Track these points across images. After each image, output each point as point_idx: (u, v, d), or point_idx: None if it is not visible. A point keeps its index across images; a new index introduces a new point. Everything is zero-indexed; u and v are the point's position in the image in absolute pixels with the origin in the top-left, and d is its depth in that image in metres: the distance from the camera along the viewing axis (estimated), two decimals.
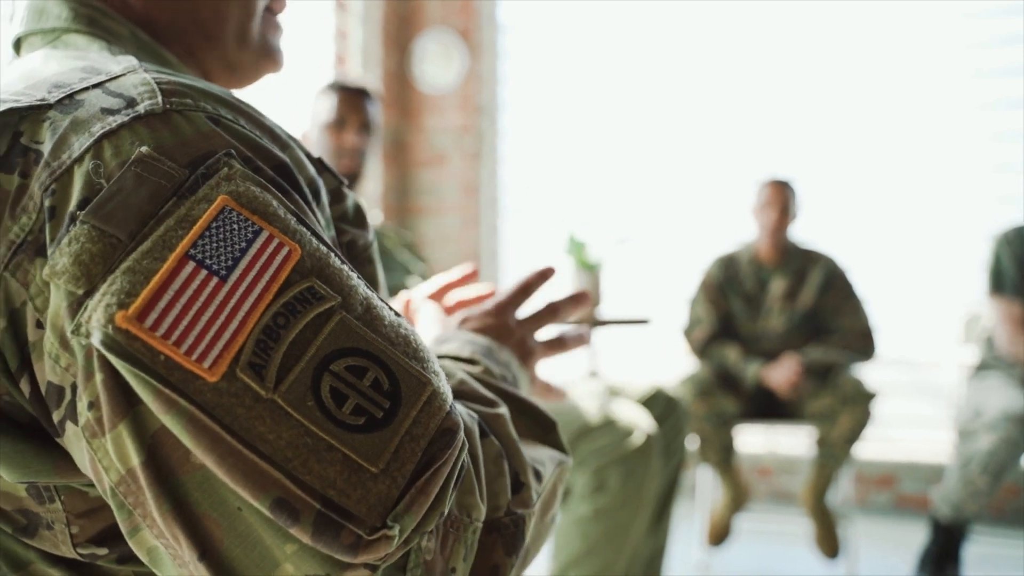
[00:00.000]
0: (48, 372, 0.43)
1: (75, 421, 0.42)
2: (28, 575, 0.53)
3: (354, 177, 2.01)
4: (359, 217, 0.59)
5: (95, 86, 0.48)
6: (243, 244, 0.43)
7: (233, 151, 0.46)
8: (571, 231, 2.75)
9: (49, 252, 0.42)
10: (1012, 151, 3.32)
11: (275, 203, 0.46)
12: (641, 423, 1.51)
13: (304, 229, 0.46)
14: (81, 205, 0.42)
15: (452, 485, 0.45)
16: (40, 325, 0.43)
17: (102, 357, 0.40)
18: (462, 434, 0.47)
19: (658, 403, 1.81)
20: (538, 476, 0.58)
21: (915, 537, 2.94)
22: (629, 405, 1.59)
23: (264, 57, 0.71)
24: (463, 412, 0.53)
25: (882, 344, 2.84)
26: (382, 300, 0.48)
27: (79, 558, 0.51)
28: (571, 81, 4.08)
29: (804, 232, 3.05)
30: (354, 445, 0.41)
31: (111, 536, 0.51)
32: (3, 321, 0.44)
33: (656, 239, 3.85)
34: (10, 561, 0.53)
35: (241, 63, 0.69)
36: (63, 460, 0.47)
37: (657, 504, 1.78)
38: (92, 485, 0.49)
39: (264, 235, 0.44)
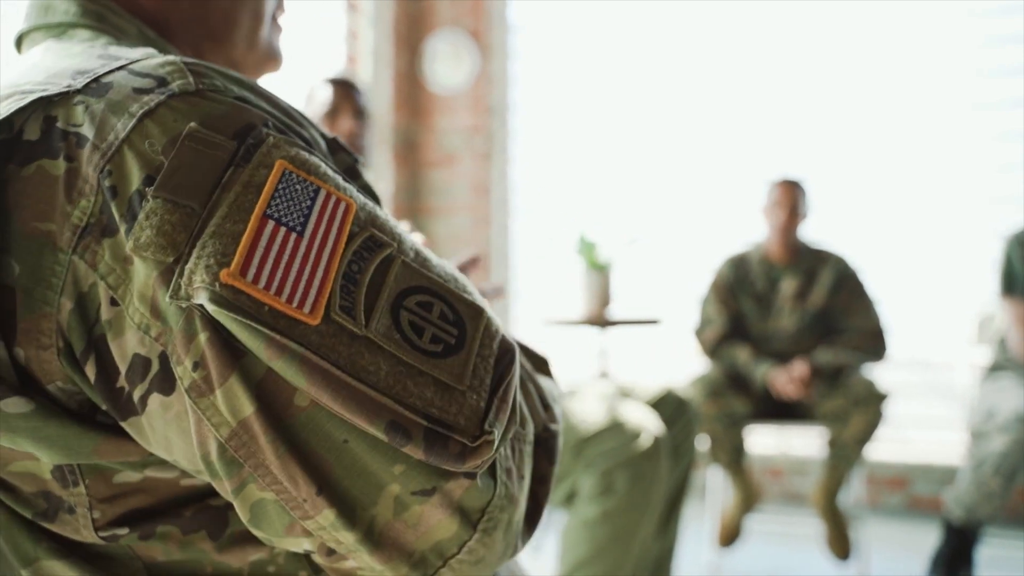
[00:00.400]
0: (134, 345, 0.44)
1: (165, 392, 0.44)
2: (36, 571, 0.54)
3: None
4: (372, 196, 0.60)
5: (119, 69, 0.49)
6: (308, 202, 0.46)
7: (269, 121, 0.49)
8: (581, 231, 2.76)
9: (123, 229, 0.44)
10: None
11: (323, 164, 0.50)
12: (649, 425, 1.51)
13: (350, 186, 0.50)
14: (147, 182, 0.44)
15: (518, 397, 0.51)
16: (115, 302, 0.44)
17: (204, 316, 0.42)
18: (518, 352, 0.52)
19: (669, 405, 1.81)
20: (555, 399, 0.64)
21: (928, 539, 2.93)
22: (637, 407, 1.59)
23: (268, 59, 0.74)
24: None
25: (894, 344, 2.83)
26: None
27: (99, 541, 0.52)
28: (582, 81, 4.08)
29: (816, 232, 3.04)
30: (441, 368, 0.46)
31: (133, 519, 0.52)
32: (71, 303, 0.45)
33: (667, 239, 3.84)
34: (20, 557, 0.54)
35: (246, 64, 0.71)
36: (105, 443, 0.48)
37: (666, 505, 1.78)
38: (122, 468, 0.51)
39: (323, 193, 0.47)
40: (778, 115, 3.69)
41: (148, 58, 0.50)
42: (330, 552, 0.47)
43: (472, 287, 0.53)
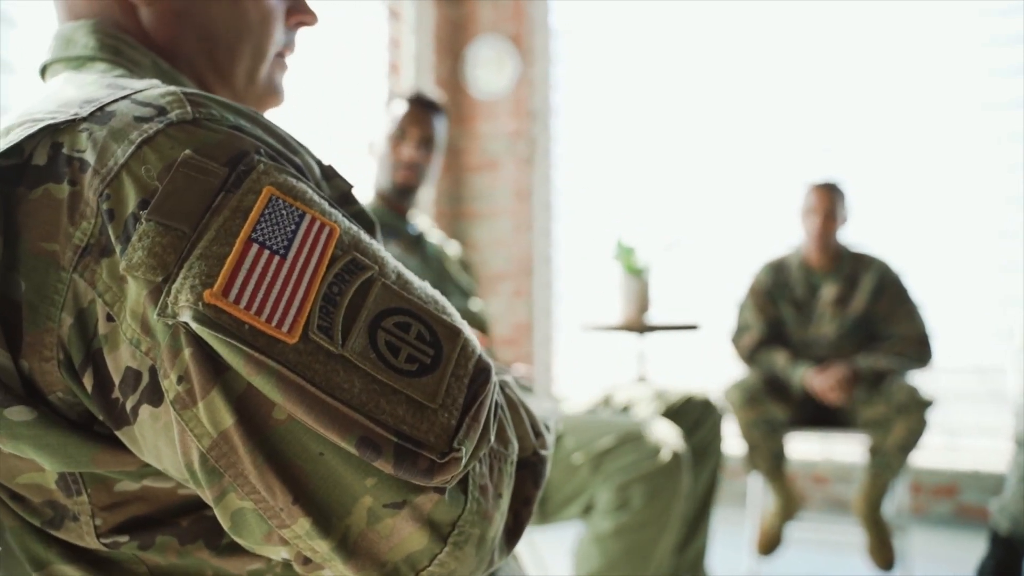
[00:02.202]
0: (127, 358, 0.47)
1: (154, 403, 0.47)
2: (48, 574, 0.57)
3: (410, 190, 1.97)
4: (366, 221, 0.62)
5: (123, 98, 0.52)
6: (292, 226, 0.49)
7: (261, 149, 0.52)
8: (619, 236, 2.76)
9: (118, 250, 0.47)
10: None
11: (310, 191, 0.52)
12: (669, 440, 1.50)
13: (336, 211, 0.52)
14: (142, 205, 0.47)
15: (493, 416, 0.52)
16: (111, 318, 0.47)
17: (189, 333, 0.45)
18: (494, 372, 0.54)
19: (694, 409, 1.80)
20: (548, 428, 0.66)
21: (976, 549, 2.86)
22: (660, 422, 1.58)
23: (268, 95, 0.76)
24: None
25: (945, 349, 2.76)
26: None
27: (102, 548, 0.55)
28: (623, 85, 4.07)
29: (862, 236, 2.98)
30: (414, 387, 0.48)
31: (133, 527, 0.55)
32: (71, 318, 0.48)
33: (707, 243, 3.82)
34: (32, 561, 0.57)
35: (247, 98, 0.75)
36: (102, 452, 0.51)
37: (696, 506, 1.77)
38: (121, 478, 0.54)
39: (308, 218, 0.50)
40: (815, 119, 3.65)
41: (151, 88, 0.53)
42: (306, 561, 0.49)
43: (452, 310, 0.54)
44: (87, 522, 0.55)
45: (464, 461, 0.48)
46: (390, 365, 0.48)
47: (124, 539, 0.55)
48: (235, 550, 0.56)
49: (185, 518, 0.56)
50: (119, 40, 0.65)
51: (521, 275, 4.15)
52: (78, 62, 0.64)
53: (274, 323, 0.45)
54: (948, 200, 3.45)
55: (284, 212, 0.49)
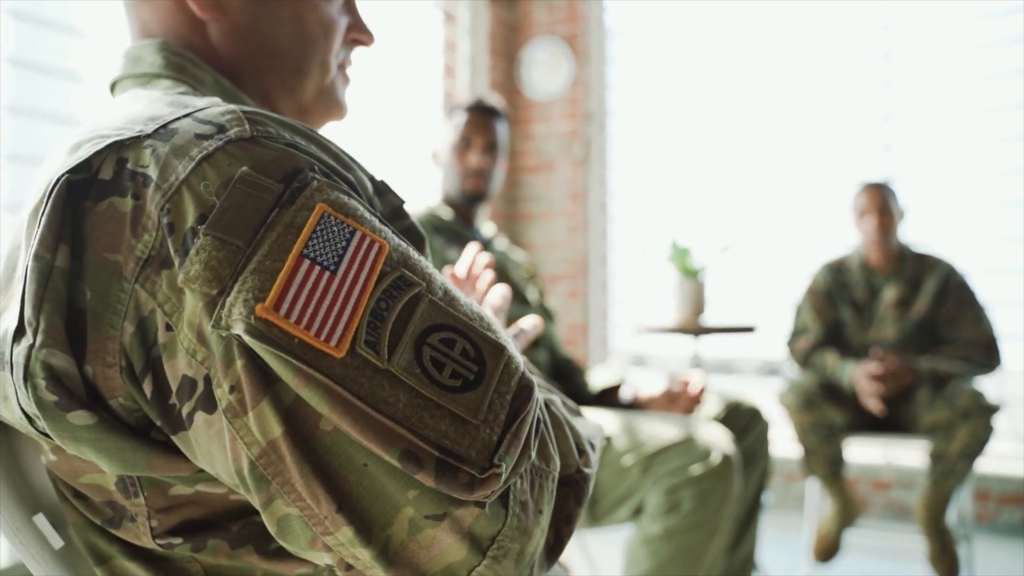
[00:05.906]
0: (183, 367, 0.49)
1: (208, 410, 0.49)
2: (111, 568, 0.60)
3: (480, 196, 2.00)
4: (416, 236, 0.63)
5: (185, 116, 0.55)
6: (343, 243, 0.50)
7: (316, 166, 0.53)
8: (673, 238, 2.74)
9: (177, 263, 0.48)
10: None
11: (361, 207, 0.53)
12: (720, 443, 1.48)
13: (386, 228, 0.54)
14: (200, 220, 0.49)
15: (535, 432, 0.54)
16: (170, 328, 0.49)
17: (241, 345, 0.47)
18: (537, 389, 0.55)
19: (742, 415, 1.78)
20: (593, 446, 0.66)
21: None
22: (711, 426, 1.57)
23: (334, 108, 0.79)
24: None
25: (1013, 353, 2.66)
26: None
27: (157, 548, 0.58)
28: (678, 86, 4.03)
29: (931, 239, 2.89)
30: (457, 402, 0.49)
31: (186, 529, 0.58)
32: (132, 327, 0.50)
33: (762, 244, 3.76)
34: (95, 555, 0.61)
35: (313, 110, 0.77)
36: (157, 457, 0.53)
37: (742, 514, 1.75)
38: (175, 482, 0.56)
39: (358, 235, 0.51)
40: (871, 119, 3.57)
41: (212, 107, 0.56)
42: (349, 567, 0.50)
43: (498, 326, 0.55)
44: (143, 523, 0.57)
45: (504, 477, 0.48)
46: (434, 380, 0.49)
47: (178, 541, 0.57)
48: (283, 555, 0.58)
49: (236, 523, 0.58)
50: (184, 58, 0.69)
51: (577, 276, 4.15)
52: (145, 79, 0.68)
53: (323, 337, 0.46)
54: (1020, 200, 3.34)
55: (335, 229, 0.50)
